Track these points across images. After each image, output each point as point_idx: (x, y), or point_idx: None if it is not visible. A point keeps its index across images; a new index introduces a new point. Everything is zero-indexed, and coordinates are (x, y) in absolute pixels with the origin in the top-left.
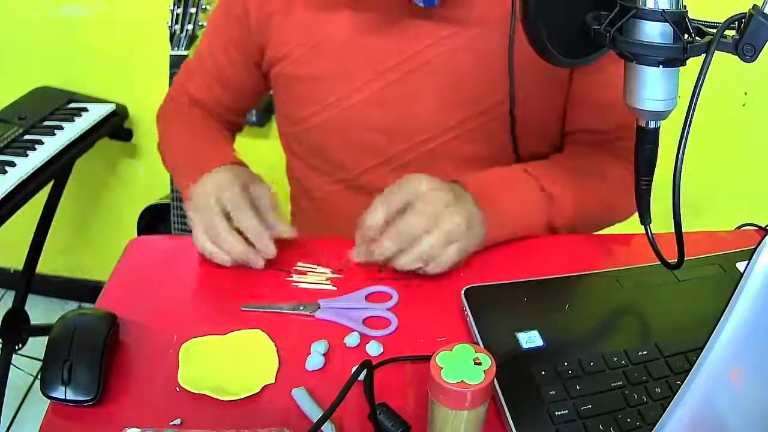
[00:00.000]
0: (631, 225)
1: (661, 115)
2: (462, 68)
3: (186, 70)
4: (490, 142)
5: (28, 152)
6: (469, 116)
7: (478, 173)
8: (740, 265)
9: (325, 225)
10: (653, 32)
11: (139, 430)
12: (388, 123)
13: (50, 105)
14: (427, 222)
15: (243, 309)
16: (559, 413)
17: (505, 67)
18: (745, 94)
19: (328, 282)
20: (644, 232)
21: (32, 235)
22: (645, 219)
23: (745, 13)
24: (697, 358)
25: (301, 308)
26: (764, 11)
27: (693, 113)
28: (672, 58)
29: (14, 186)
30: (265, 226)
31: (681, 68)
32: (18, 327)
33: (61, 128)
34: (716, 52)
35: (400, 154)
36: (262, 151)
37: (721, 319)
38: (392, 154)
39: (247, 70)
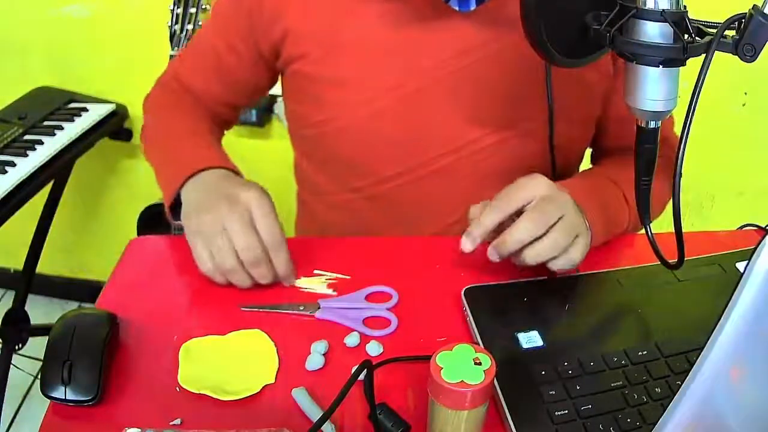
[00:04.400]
0: None
1: (661, 115)
2: (493, 80)
3: (182, 57)
4: (517, 156)
5: (28, 152)
6: (494, 130)
7: (570, 180)
8: (740, 265)
9: (336, 229)
10: (653, 32)
11: (139, 430)
12: (410, 133)
13: (50, 105)
14: (555, 215)
15: (243, 309)
16: (559, 413)
17: (540, 81)
18: (745, 94)
19: (330, 287)
20: (644, 232)
21: (32, 235)
22: (645, 219)
23: (745, 13)
24: (697, 358)
25: (301, 308)
26: (764, 11)
27: (693, 113)
28: (672, 58)
29: (14, 186)
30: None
31: (681, 68)
32: (18, 327)
33: (61, 128)
34: (716, 52)
35: (420, 165)
36: (262, 152)
37: (721, 319)
38: (412, 165)
39: (253, 66)
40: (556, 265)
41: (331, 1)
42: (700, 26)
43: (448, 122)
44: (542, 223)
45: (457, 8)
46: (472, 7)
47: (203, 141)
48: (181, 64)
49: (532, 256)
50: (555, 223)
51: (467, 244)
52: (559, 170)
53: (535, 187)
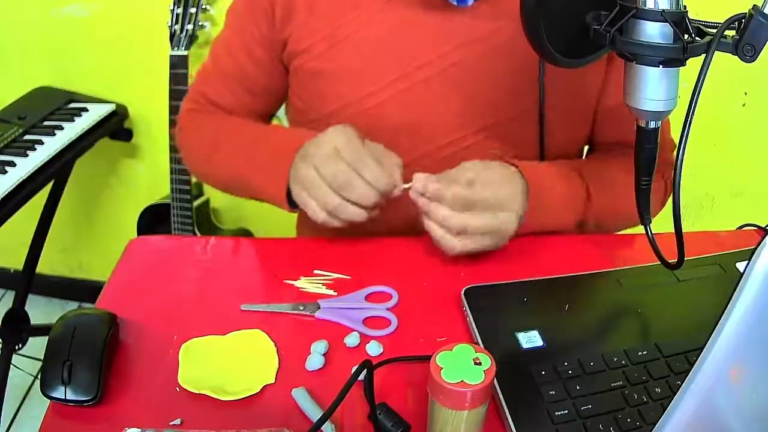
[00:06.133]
0: None
1: (661, 116)
2: (492, 73)
3: (202, 76)
4: (515, 146)
5: (28, 152)
6: (494, 122)
7: (535, 163)
8: (740, 265)
9: (338, 228)
10: (653, 32)
11: (139, 430)
12: (412, 124)
13: (50, 105)
14: (488, 204)
15: (243, 309)
16: (559, 413)
17: (537, 72)
18: (745, 94)
19: (330, 287)
20: (644, 232)
21: (32, 235)
22: (645, 219)
23: (745, 13)
24: (697, 358)
25: (301, 308)
26: (764, 11)
27: (693, 113)
28: (672, 58)
29: (14, 186)
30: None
31: (681, 68)
32: (18, 327)
33: (61, 128)
34: (716, 52)
35: (423, 156)
36: None
37: (721, 319)
38: (414, 156)
39: (275, 69)
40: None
41: (336, 2)
42: (700, 26)
43: (449, 114)
44: (463, 202)
45: (455, 3)
46: (470, 3)
47: (276, 128)
48: (206, 84)
49: (437, 216)
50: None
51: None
52: (555, 158)
53: (491, 173)
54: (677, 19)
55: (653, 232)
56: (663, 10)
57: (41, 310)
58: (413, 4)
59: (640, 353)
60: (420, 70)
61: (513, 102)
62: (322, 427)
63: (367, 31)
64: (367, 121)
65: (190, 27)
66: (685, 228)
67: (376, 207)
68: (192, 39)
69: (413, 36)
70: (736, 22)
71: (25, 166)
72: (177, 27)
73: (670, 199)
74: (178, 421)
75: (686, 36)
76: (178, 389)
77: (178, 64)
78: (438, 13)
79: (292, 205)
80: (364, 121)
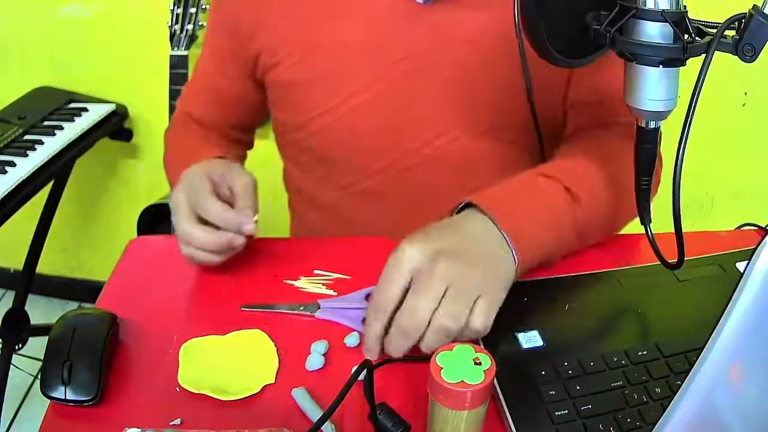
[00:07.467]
0: (631, 225)
1: (661, 116)
2: (469, 66)
3: (185, 90)
4: (501, 141)
5: (28, 152)
6: (479, 114)
7: (490, 188)
8: (740, 265)
9: (328, 232)
10: (653, 32)
11: (139, 430)
12: (395, 123)
13: (50, 105)
14: (429, 306)
15: (243, 309)
16: (559, 413)
17: (516, 64)
18: (745, 94)
19: (330, 287)
20: (644, 232)
21: (32, 235)
22: (645, 219)
23: (745, 13)
24: (697, 358)
25: (301, 308)
26: (764, 11)
27: (693, 113)
28: (672, 58)
29: (14, 186)
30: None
31: (681, 68)
32: (18, 327)
33: (61, 128)
34: (716, 52)
35: (409, 154)
36: (262, 151)
37: (721, 319)
38: (399, 154)
39: (246, 83)
40: (464, 337)
41: (306, 10)
42: (700, 26)
43: (429, 112)
44: (414, 329)
45: (421, 2)
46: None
47: (195, 153)
48: (187, 98)
49: (426, 349)
50: (438, 305)
51: (371, 357)
52: (547, 152)
53: (406, 266)
54: (677, 19)
55: (653, 232)
56: (663, 10)
57: (41, 310)
58: (384, 5)
59: (640, 353)
60: (396, 69)
61: (496, 96)
62: (322, 427)
63: (341, 34)
64: (350, 124)
65: (190, 27)
66: (685, 228)
67: (232, 248)
68: (192, 39)
69: (386, 37)
70: (736, 22)
71: (25, 166)
72: (177, 27)
73: (671, 198)
74: (178, 421)
75: (686, 36)
76: (178, 389)
77: (178, 64)
78: (409, 11)
79: None
80: (346, 124)
